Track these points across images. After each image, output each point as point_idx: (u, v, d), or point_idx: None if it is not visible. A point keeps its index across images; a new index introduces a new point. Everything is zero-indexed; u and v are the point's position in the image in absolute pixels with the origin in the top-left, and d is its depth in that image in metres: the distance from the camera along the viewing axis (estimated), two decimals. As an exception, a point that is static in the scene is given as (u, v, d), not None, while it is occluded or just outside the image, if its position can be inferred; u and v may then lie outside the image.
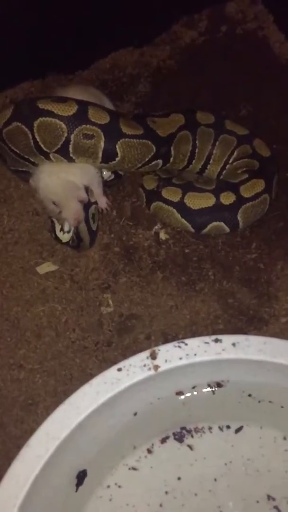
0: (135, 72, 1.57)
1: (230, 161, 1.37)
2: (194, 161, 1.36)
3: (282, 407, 0.96)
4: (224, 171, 1.39)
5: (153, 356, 0.90)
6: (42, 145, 1.19)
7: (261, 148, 1.35)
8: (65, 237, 1.26)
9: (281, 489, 0.97)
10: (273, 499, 0.96)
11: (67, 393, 1.13)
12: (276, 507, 0.95)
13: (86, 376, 1.16)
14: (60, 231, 1.25)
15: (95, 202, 1.28)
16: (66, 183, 1.22)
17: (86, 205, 1.23)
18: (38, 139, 1.18)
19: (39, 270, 1.31)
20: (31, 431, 1.07)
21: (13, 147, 1.22)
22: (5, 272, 1.31)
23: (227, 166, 1.38)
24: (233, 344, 0.91)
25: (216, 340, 0.91)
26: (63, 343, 1.21)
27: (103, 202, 1.29)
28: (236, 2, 1.60)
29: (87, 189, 1.24)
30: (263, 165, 1.31)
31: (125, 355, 1.19)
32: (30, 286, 1.28)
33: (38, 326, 1.23)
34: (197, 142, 1.34)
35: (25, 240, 1.35)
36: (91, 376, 1.15)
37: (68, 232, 1.25)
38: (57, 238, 1.27)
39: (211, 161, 1.38)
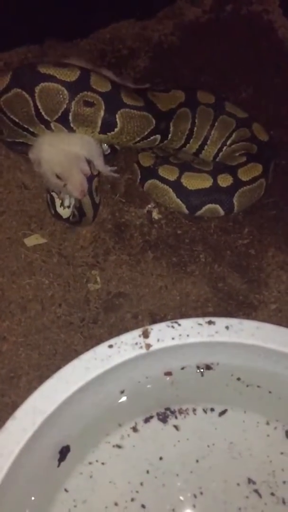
0: (135, 46, 1.54)
1: (228, 143, 1.36)
2: (191, 140, 1.34)
3: (270, 392, 0.96)
4: (221, 153, 1.37)
5: (146, 335, 0.89)
6: (43, 113, 1.14)
7: (260, 132, 1.33)
8: (65, 213, 1.23)
9: (261, 473, 0.98)
10: (254, 483, 0.97)
11: (50, 368, 1.12)
12: (256, 491, 0.96)
13: (70, 352, 1.15)
14: (60, 206, 1.22)
15: (97, 175, 1.24)
16: (70, 154, 1.18)
17: (89, 178, 1.20)
18: (39, 106, 1.13)
19: (27, 242, 1.28)
20: (12, 404, 1.07)
21: (12, 116, 1.17)
22: (-10, 242, 1.27)
23: (224, 148, 1.36)
24: (226, 327, 0.90)
25: (210, 322, 0.90)
26: (49, 317, 1.19)
27: (107, 170, 1.26)
28: (243, -18, 1.57)
29: (88, 162, 1.21)
30: (261, 149, 1.30)
31: (111, 333, 1.17)
32: (17, 257, 1.25)
33: (24, 299, 1.20)
34: (196, 120, 1.32)
35: (13, 211, 1.31)
36: (76, 352, 1.15)
37: (69, 207, 1.22)
38: (56, 214, 1.23)
39: (208, 142, 1.36)
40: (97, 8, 1.52)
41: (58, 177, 1.17)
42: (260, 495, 0.96)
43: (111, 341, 0.88)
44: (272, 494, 0.96)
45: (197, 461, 0.99)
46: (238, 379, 0.97)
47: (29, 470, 0.84)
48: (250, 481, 0.97)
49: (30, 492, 0.87)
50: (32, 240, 1.28)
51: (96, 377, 0.86)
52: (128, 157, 1.35)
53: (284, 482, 0.97)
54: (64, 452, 0.92)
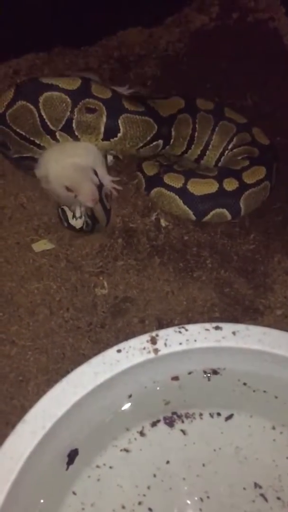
0: (142, 53, 1.56)
1: (229, 148, 1.37)
2: (193, 146, 1.36)
3: (276, 397, 0.97)
4: (223, 158, 1.39)
5: (153, 340, 0.90)
6: (48, 122, 1.17)
7: (260, 136, 1.35)
8: (78, 223, 1.25)
9: (267, 478, 0.98)
10: (260, 487, 0.98)
11: (58, 372, 1.13)
12: (262, 495, 0.97)
13: (78, 356, 1.16)
14: (72, 218, 1.24)
15: (103, 184, 1.26)
16: (77, 166, 1.21)
17: (99, 185, 1.22)
18: (44, 116, 1.16)
19: (34, 247, 1.29)
20: (21, 408, 1.08)
21: (18, 130, 1.19)
22: (0, 246, 1.29)
23: (226, 152, 1.38)
24: (233, 333, 0.91)
25: (217, 328, 0.91)
26: (57, 321, 1.20)
27: (107, 180, 1.28)
28: (249, -10, 1.59)
29: (94, 171, 1.23)
30: (263, 152, 1.32)
31: (118, 338, 1.18)
32: (25, 262, 1.26)
33: (32, 303, 1.21)
34: (197, 126, 1.34)
35: (22, 216, 1.33)
36: (84, 356, 1.16)
37: (81, 217, 1.23)
38: (70, 226, 1.25)
39: (210, 147, 1.38)
40: (105, 16, 1.54)
41: (68, 189, 1.19)
42: (266, 499, 0.96)
43: (120, 346, 0.90)
44: (278, 498, 0.96)
45: (203, 465, 0.99)
46: (245, 384, 0.98)
47: (38, 473, 0.85)
48: (256, 485, 0.98)
49: (39, 495, 0.88)
50: (40, 246, 1.30)
51: (105, 382, 0.87)
52: (131, 166, 1.36)
53: (290, 487, 0.97)
54: (72, 456, 0.93)
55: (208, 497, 0.97)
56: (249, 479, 0.98)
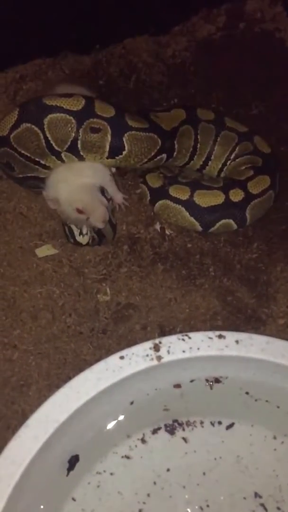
0: (149, 61, 1.56)
1: (232, 158, 1.38)
2: (195, 157, 1.36)
3: (278, 407, 0.97)
4: (225, 168, 1.39)
5: (157, 347, 0.90)
6: (53, 144, 1.17)
7: (262, 145, 1.36)
8: (84, 240, 1.26)
9: (268, 488, 0.98)
10: (260, 497, 0.97)
11: (60, 377, 1.13)
12: (262, 505, 0.97)
13: (80, 362, 1.16)
14: (79, 235, 1.25)
15: (110, 198, 1.27)
16: (87, 188, 1.21)
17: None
18: (49, 138, 1.16)
19: (38, 252, 1.29)
20: (22, 412, 1.08)
21: (23, 151, 1.19)
22: (3, 250, 1.29)
23: (228, 162, 1.38)
24: (237, 342, 0.91)
25: (220, 336, 0.91)
26: (59, 327, 1.20)
27: (119, 198, 1.29)
28: (256, 1, 1.60)
29: (101, 188, 1.24)
30: (266, 161, 1.33)
31: (119, 344, 1.18)
32: (29, 267, 1.27)
33: (35, 308, 1.21)
34: (199, 137, 1.34)
35: (26, 221, 1.33)
36: (85, 361, 1.16)
37: (87, 233, 1.25)
38: (76, 242, 1.26)
39: (212, 157, 1.38)
40: (112, 23, 1.55)
41: (79, 211, 1.20)
42: (266, 510, 0.96)
43: (123, 353, 0.90)
44: (278, 508, 0.96)
45: (204, 473, 0.99)
46: (247, 393, 0.98)
47: (39, 478, 0.85)
48: (256, 495, 0.97)
49: (39, 501, 0.88)
50: (44, 251, 1.30)
51: (107, 388, 0.87)
52: (134, 176, 1.36)
53: (290, 497, 0.97)
54: (73, 462, 0.93)
55: (208, 505, 0.97)
56: (249, 489, 0.98)
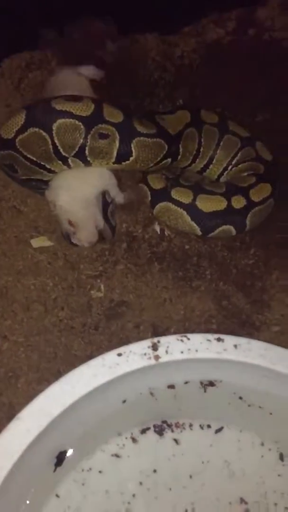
0: (157, 59, 1.55)
1: (233, 163, 1.38)
2: (198, 159, 1.36)
3: (270, 413, 0.97)
4: (226, 172, 1.39)
5: (155, 346, 0.89)
6: (61, 149, 1.14)
7: (264, 151, 1.36)
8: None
9: (254, 494, 0.98)
10: (245, 503, 0.97)
11: (50, 371, 1.12)
12: (247, 511, 0.96)
13: (70, 357, 1.14)
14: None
15: (112, 202, 1.26)
16: (88, 202, 1.20)
17: (105, 204, 1.23)
18: (57, 143, 1.13)
19: (33, 243, 1.27)
20: (9, 405, 1.06)
21: (29, 155, 1.15)
22: (-2, 238, 1.27)
23: (229, 167, 1.38)
24: (235, 346, 0.91)
25: (218, 339, 0.91)
26: (51, 320, 1.18)
27: (121, 198, 1.27)
28: (267, 9, 1.60)
29: (104, 193, 1.23)
30: (267, 169, 1.33)
31: (111, 341, 1.17)
32: (24, 257, 1.25)
33: (27, 299, 1.19)
34: (202, 140, 1.33)
35: (23, 211, 1.31)
36: (76, 357, 1.15)
37: None
38: (73, 244, 1.24)
39: (214, 161, 1.38)
40: (122, 19, 1.54)
41: (70, 223, 1.19)
42: (251, 516, 0.96)
43: (120, 350, 0.89)
44: (263, 515, 0.96)
45: (190, 476, 0.99)
46: (240, 398, 0.97)
47: (27, 473, 0.83)
48: (242, 500, 0.97)
49: (25, 495, 0.86)
50: (39, 242, 1.28)
51: (103, 385, 0.86)
52: (134, 175, 1.34)
53: (275, 504, 0.97)
54: (61, 457, 0.91)
55: (193, 509, 0.96)
56: (235, 494, 0.98)
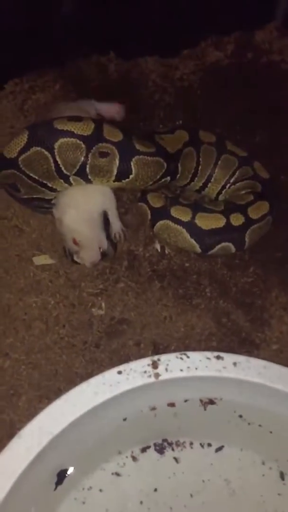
0: (157, 81, 1.59)
1: (231, 181, 1.40)
2: (196, 178, 1.38)
3: (270, 432, 0.97)
4: (224, 191, 1.41)
5: (155, 364, 0.90)
6: (62, 168, 1.17)
7: (261, 170, 1.39)
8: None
9: (254, 513, 0.98)
10: (246, 522, 0.97)
11: (51, 389, 1.12)
12: (248, 530, 0.96)
13: (71, 374, 1.15)
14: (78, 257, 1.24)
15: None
16: (94, 222, 1.22)
17: (106, 222, 1.25)
18: (59, 162, 1.16)
19: (35, 261, 1.29)
20: (10, 422, 1.06)
21: (31, 174, 1.18)
22: (0, 257, 1.28)
23: (227, 186, 1.41)
24: (234, 364, 0.92)
25: (218, 357, 0.92)
26: (52, 337, 1.19)
27: (118, 227, 1.28)
28: (264, 32, 1.64)
29: (105, 213, 1.25)
30: (265, 187, 1.35)
31: (112, 359, 1.18)
32: (25, 275, 1.26)
33: (29, 317, 1.20)
34: (200, 159, 1.36)
35: (25, 231, 1.33)
36: (76, 374, 1.15)
37: None
38: (74, 261, 1.25)
39: (212, 180, 1.40)
40: (123, 41, 1.58)
41: (74, 242, 1.21)
42: (252, 535, 0.96)
43: (121, 367, 0.89)
44: (264, 535, 0.96)
45: (191, 495, 0.98)
46: (240, 416, 0.98)
47: (27, 492, 0.83)
48: (242, 520, 0.97)
49: (25, 514, 0.86)
50: (41, 260, 1.30)
51: (103, 403, 0.86)
52: (134, 194, 1.37)
53: (276, 524, 0.97)
54: (62, 476, 0.91)
55: (194, 528, 0.96)
56: (236, 513, 0.97)
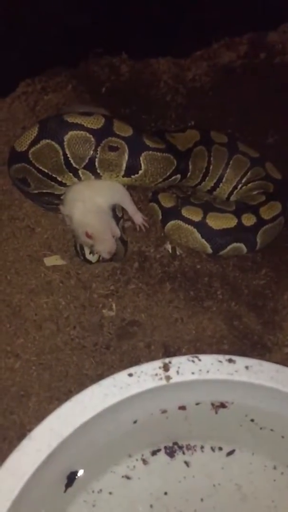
0: (169, 82, 1.58)
1: (243, 182, 1.39)
2: (207, 178, 1.37)
3: (282, 437, 0.96)
4: (236, 191, 1.40)
5: (166, 367, 0.89)
6: (72, 161, 1.18)
7: (273, 171, 1.38)
8: (94, 258, 1.26)
9: (265, 518, 0.96)
10: (257, 527, 0.96)
11: (61, 390, 1.12)
12: (259, 536, 0.95)
13: (81, 376, 1.14)
14: (90, 253, 1.25)
15: (122, 216, 1.28)
16: (103, 213, 1.22)
17: (117, 219, 1.25)
18: (68, 155, 1.17)
19: (46, 261, 1.29)
20: (20, 423, 1.06)
21: (40, 167, 1.19)
22: (11, 257, 1.29)
23: (239, 186, 1.40)
24: (246, 367, 0.91)
25: (230, 361, 0.91)
26: (62, 338, 1.19)
27: (138, 218, 1.29)
28: (278, 33, 1.63)
29: (114, 207, 1.25)
30: (277, 187, 1.34)
31: (122, 361, 1.17)
32: (36, 275, 1.26)
33: (40, 317, 1.20)
34: (212, 159, 1.36)
35: (36, 231, 1.33)
36: (87, 376, 1.15)
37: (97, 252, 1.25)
38: (86, 260, 1.26)
39: (223, 180, 1.40)
40: (135, 43, 1.57)
41: (87, 235, 1.21)
42: None
43: (131, 370, 0.89)
44: None
45: (202, 499, 0.98)
46: (252, 420, 0.97)
47: (37, 493, 0.83)
48: (253, 525, 0.96)
49: (35, 516, 0.85)
50: (52, 261, 1.30)
51: (114, 405, 0.86)
52: (145, 194, 1.37)
53: (288, 530, 0.96)
54: (72, 478, 0.91)
55: (204, 533, 0.95)
56: (247, 518, 0.96)
